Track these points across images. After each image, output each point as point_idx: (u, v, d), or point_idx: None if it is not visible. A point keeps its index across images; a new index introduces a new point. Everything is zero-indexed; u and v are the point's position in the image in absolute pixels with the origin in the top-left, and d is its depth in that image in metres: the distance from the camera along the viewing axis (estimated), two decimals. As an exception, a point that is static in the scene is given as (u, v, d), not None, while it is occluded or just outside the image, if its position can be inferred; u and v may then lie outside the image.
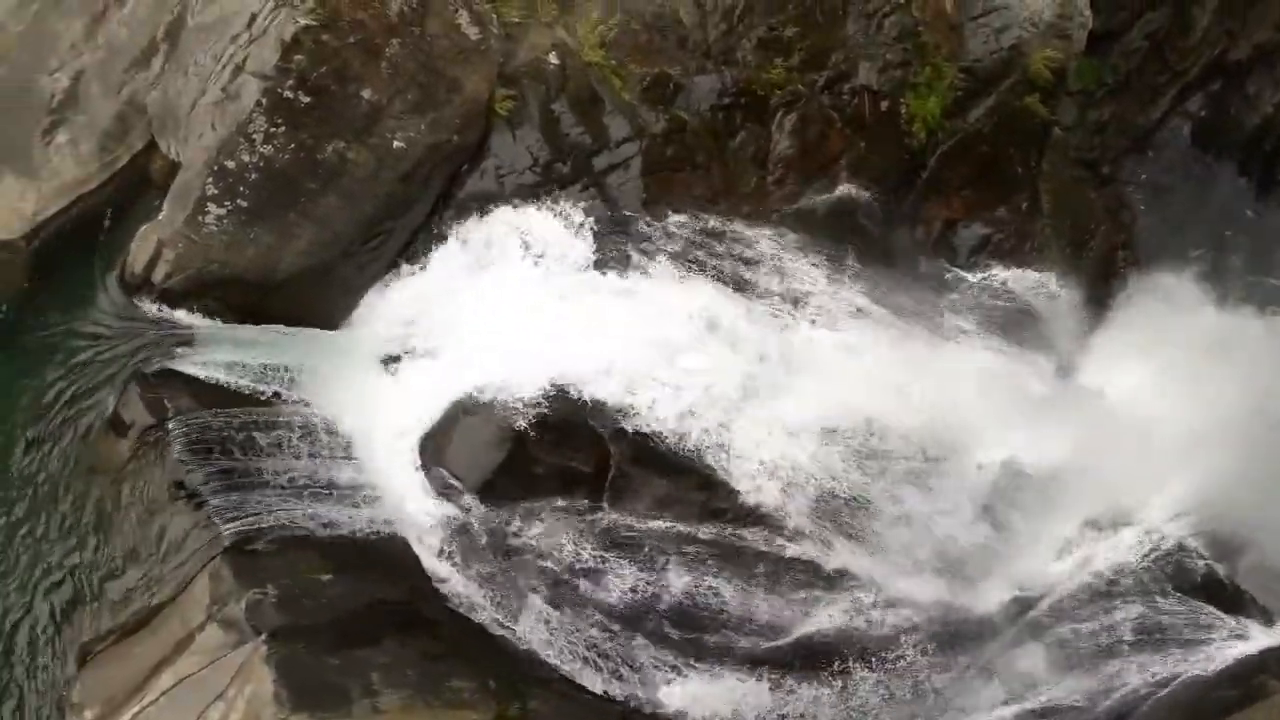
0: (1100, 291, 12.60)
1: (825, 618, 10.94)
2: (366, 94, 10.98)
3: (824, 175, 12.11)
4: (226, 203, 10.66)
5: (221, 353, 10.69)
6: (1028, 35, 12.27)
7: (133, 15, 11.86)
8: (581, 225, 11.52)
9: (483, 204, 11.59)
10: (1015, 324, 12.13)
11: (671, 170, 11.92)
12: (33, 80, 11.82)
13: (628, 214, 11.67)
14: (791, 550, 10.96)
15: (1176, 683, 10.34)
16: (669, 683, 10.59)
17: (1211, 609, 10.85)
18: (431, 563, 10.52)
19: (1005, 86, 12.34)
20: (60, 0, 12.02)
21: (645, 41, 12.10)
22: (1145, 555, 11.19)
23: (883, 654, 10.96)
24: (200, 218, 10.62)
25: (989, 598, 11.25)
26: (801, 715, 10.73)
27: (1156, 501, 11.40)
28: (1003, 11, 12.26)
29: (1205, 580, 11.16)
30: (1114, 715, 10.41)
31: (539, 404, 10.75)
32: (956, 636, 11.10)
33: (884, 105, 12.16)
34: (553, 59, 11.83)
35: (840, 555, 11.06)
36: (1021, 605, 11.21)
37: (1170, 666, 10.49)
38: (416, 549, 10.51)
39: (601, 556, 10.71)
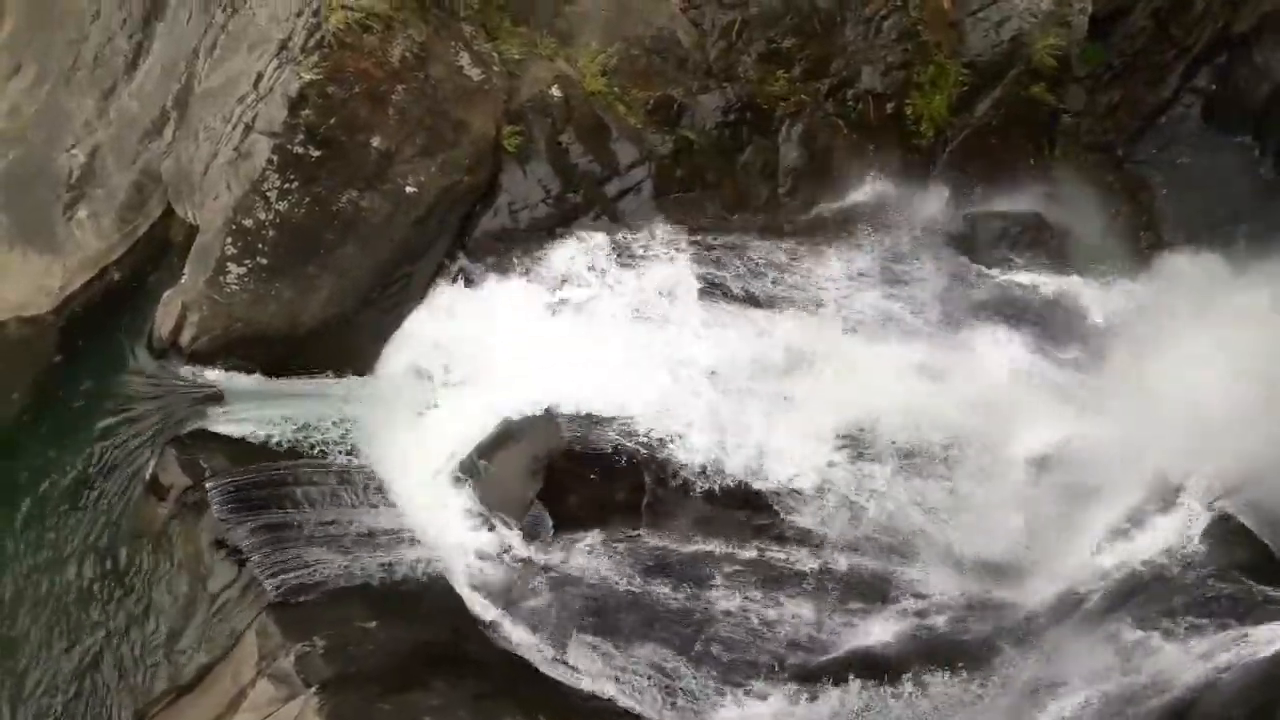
0: (1128, 274, 12.45)
1: (875, 628, 10.80)
2: (376, 142, 11.07)
3: (835, 182, 12.10)
4: (246, 261, 10.77)
5: (252, 409, 10.81)
6: (1028, 26, 12.26)
7: (141, 88, 12.07)
8: (601, 254, 11.55)
9: (500, 241, 11.64)
10: (1044, 312, 12.01)
11: (683, 190, 11.96)
12: (50, 159, 12.06)
13: (643, 238, 11.67)
14: (836, 562, 10.85)
15: (1239, 665, 10.10)
16: (722, 705, 10.48)
17: (1267, 587, 10.61)
18: (475, 602, 10.51)
19: (1010, 78, 12.33)
20: (70, 79, 12.26)
21: (645, 66, 12.17)
22: (1196, 537, 10.98)
23: (937, 660, 10.79)
24: (222, 278, 10.74)
25: (1040, 592, 11.07)
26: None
27: (1203, 481, 11.20)
28: (1001, 4, 12.26)
29: (1259, 558, 10.92)
30: (1179, 702, 10.19)
31: (570, 435, 10.74)
32: (1011, 635, 10.91)
33: (889, 107, 12.17)
34: (556, 91, 11.90)
35: (886, 563, 10.94)
36: (1075, 597, 11.02)
37: (1230, 649, 10.24)
38: (459, 589, 10.51)
39: (645, 582, 10.65)
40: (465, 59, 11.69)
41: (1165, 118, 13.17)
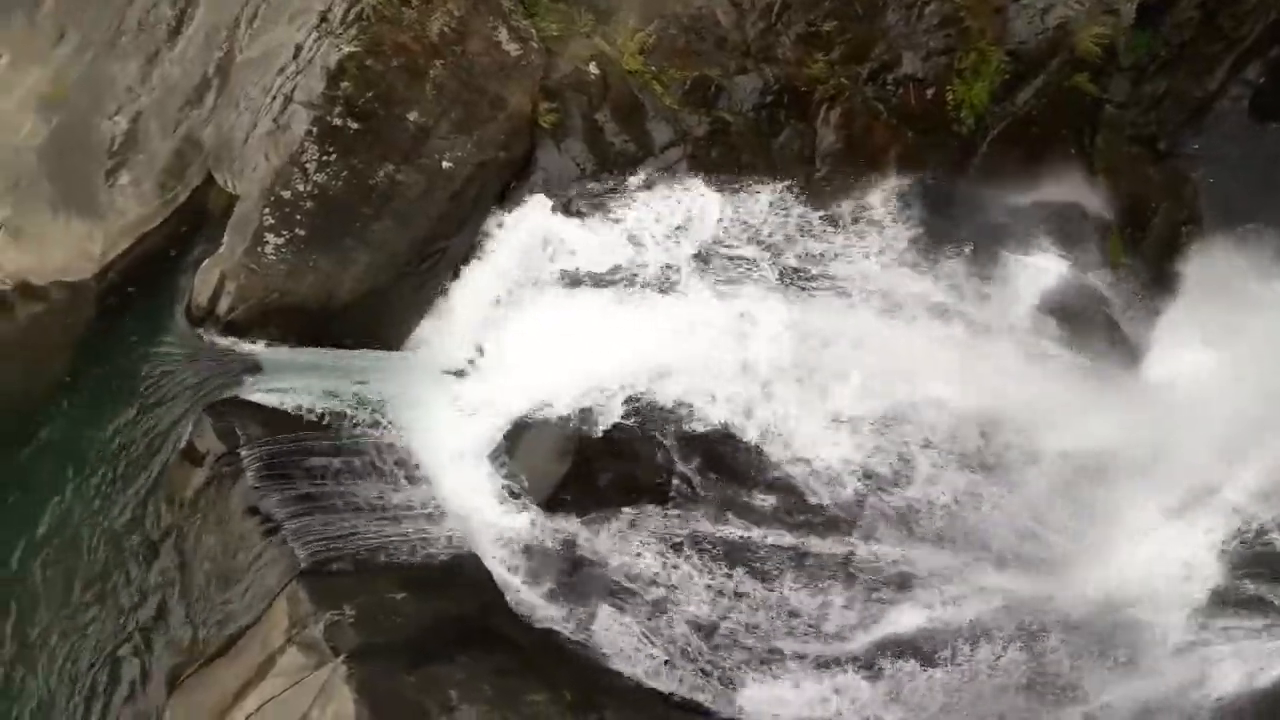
0: (1166, 270, 12.33)
1: (903, 616, 10.84)
2: (413, 116, 11.09)
3: (873, 168, 12.03)
4: (284, 232, 10.84)
5: (288, 379, 10.89)
6: (1074, 13, 12.08)
7: (184, 55, 12.10)
8: (633, 233, 11.55)
9: (535, 216, 11.66)
10: (1083, 308, 11.91)
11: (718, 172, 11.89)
12: (93, 124, 12.08)
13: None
14: (864, 549, 10.89)
15: (1271, 668, 10.07)
16: (747, 687, 10.57)
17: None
18: (503, 577, 10.60)
19: (1053, 67, 12.15)
20: (114, 45, 12.30)
21: (683, 45, 12.09)
22: (1229, 540, 10.91)
23: (965, 652, 10.82)
24: (260, 248, 10.80)
25: (1072, 590, 11.04)
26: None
27: (1239, 483, 11.11)
28: (1046, -10, 12.08)
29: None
30: (1206, 706, 10.17)
31: (601, 415, 10.79)
32: (1040, 631, 10.92)
33: (930, 94, 12.03)
34: (593, 69, 11.87)
35: (914, 551, 10.96)
36: (1106, 596, 11.00)
37: (1264, 651, 10.21)
38: (488, 564, 10.60)
39: (671, 564, 10.74)
40: (503, 34, 11.67)
41: (1212, 111, 12.94)
